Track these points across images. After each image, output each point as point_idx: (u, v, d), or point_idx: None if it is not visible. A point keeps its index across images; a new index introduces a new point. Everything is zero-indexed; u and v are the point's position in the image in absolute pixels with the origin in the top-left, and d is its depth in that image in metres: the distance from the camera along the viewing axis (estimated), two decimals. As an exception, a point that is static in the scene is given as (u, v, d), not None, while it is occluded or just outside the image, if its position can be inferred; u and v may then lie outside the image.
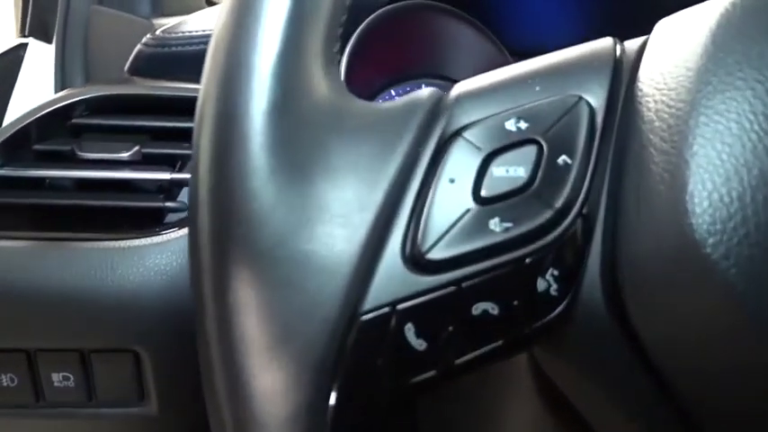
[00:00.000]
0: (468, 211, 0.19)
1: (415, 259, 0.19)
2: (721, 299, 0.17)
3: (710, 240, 0.17)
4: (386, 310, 0.18)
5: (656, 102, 0.19)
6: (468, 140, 0.20)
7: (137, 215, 0.39)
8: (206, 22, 0.49)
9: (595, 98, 0.20)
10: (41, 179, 0.39)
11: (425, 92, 0.21)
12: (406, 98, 0.21)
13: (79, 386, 0.37)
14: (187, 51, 0.47)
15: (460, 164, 0.20)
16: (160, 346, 0.37)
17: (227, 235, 0.19)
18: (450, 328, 0.19)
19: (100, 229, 0.38)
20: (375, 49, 0.45)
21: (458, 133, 0.20)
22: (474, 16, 0.49)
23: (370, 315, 0.18)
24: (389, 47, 0.47)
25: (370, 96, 0.48)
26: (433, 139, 0.20)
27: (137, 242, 0.37)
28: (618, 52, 0.21)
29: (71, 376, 0.37)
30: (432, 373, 0.19)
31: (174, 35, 0.46)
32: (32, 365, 0.36)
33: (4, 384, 0.37)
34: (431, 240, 0.19)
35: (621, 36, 0.23)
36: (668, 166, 0.18)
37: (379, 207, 0.19)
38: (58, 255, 0.37)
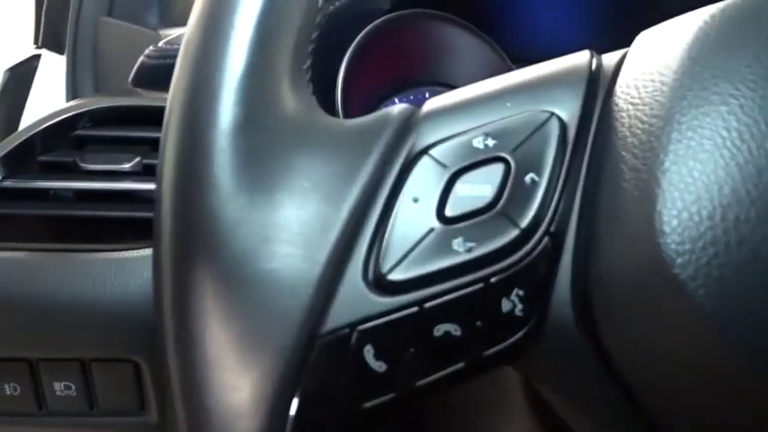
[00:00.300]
0: (431, 230, 0.19)
1: (377, 280, 0.19)
2: (690, 319, 0.17)
3: (679, 261, 0.16)
4: (345, 331, 0.18)
5: (630, 117, 0.19)
6: (434, 158, 0.20)
7: (138, 226, 0.39)
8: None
9: (568, 113, 0.20)
10: (45, 190, 0.40)
11: (396, 108, 0.21)
12: (376, 114, 0.21)
13: (80, 395, 0.37)
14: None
15: (425, 182, 0.19)
16: (159, 355, 0.37)
17: (188, 251, 0.19)
18: (411, 350, 0.18)
19: (102, 239, 0.38)
20: (375, 58, 0.45)
21: (425, 151, 0.20)
22: (474, 23, 0.49)
23: (330, 336, 0.18)
24: (389, 55, 0.46)
25: (373, 105, 0.48)
26: (399, 157, 0.20)
27: (137, 253, 0.38)
28: (594, 66, 0.21)
29: (72, 385, 0.37)
30: (391, 395, 0.18)
31: (175, 47, 0.46)
32: (34, 375, 0.37)
33: (8, 393, 0.37)
34: (392, 261, 0.19)
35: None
36: (639, 183, 0.18)
37: (341, 227, 0.19)
38: (59, 265, 0.37)
